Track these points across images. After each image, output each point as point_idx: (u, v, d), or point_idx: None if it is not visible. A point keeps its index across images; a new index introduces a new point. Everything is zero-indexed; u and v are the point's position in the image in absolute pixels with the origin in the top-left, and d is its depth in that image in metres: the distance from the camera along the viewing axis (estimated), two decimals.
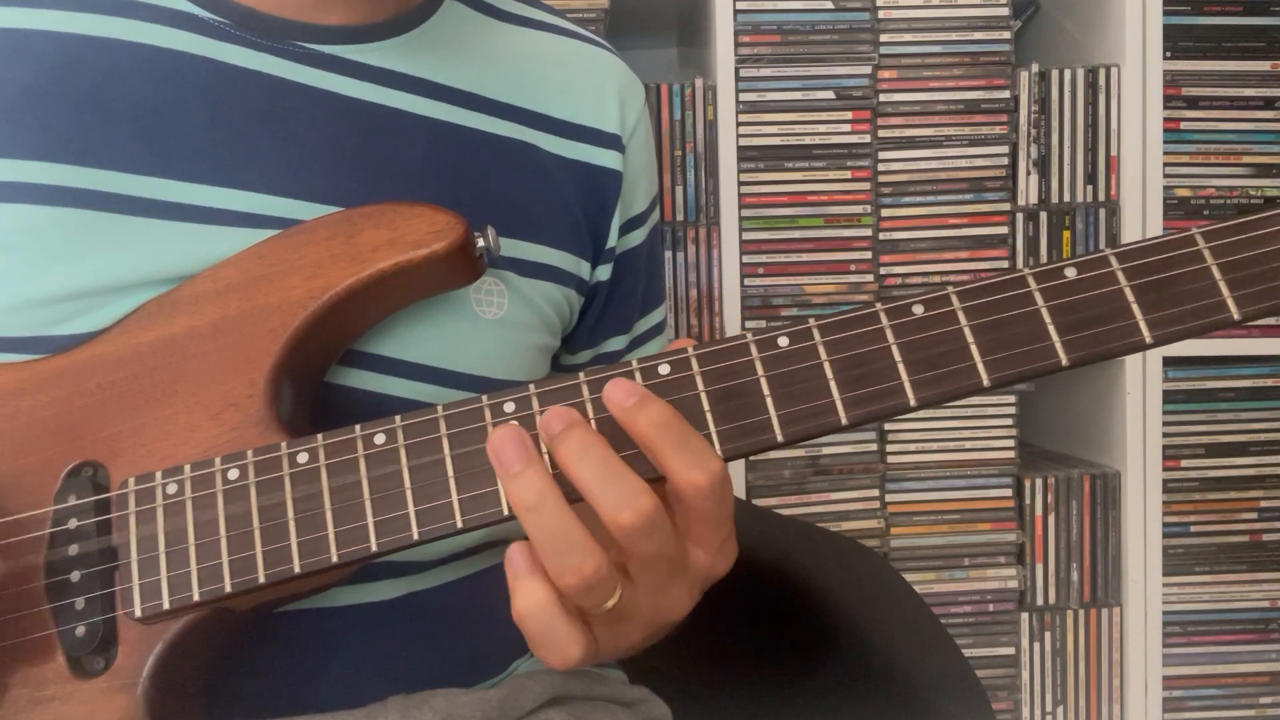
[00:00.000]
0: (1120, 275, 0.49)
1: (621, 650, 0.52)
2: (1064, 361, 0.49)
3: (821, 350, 0.50)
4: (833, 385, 0.50)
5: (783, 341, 0.50)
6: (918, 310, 0.50)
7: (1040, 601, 1.43)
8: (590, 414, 0.51)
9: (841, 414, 0.49)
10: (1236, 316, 0.48)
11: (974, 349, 0.49)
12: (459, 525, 0.51)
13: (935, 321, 0.50)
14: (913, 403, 0.49)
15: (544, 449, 0.49)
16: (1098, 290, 0.49)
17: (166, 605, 0.52)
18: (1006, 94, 1.40)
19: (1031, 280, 0.50)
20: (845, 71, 1.38)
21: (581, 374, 0.52)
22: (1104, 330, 0.49)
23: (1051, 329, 0.49)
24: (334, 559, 0.51)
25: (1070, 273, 0.50)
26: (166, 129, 0.61)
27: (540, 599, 0.48)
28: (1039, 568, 1.43)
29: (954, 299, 0.50)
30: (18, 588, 0.54)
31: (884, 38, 1.39)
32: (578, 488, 0.48)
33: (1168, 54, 1.40)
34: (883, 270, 1.40)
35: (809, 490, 1.40)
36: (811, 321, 0.51)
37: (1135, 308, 0.49)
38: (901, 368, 0.50)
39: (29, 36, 0.61)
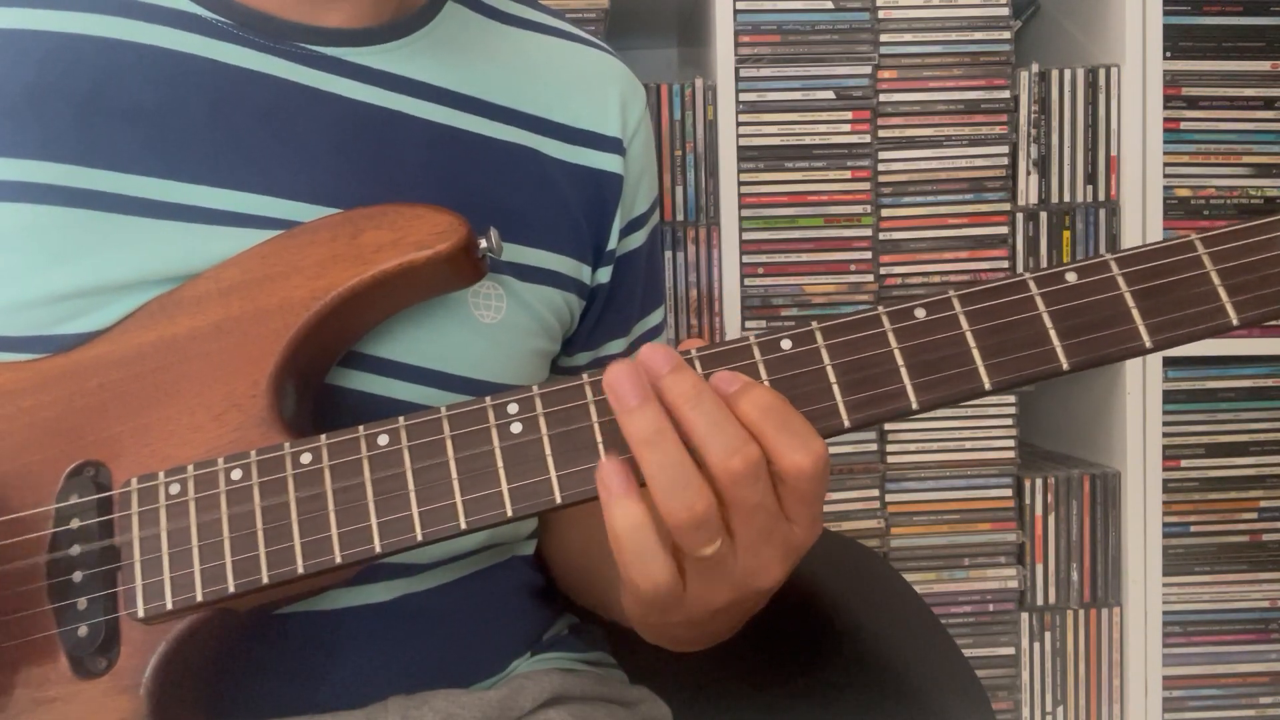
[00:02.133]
0: (1120, 280, 0.50)
1: (708, 613, 0.52)
2: (1064, 366, 0.49)
3: (824, 353, 0.50)
4: (835, 388, 0.50)
5: (786, 344, 0.51)
6: (920, 314, 0.50)
7: (1040, 601, 1.43)
8: (594, 417, 0.51)
9: (844, 417, 0.50)
10: (1235, 322, 0.48)
11: (975, 353, 0.50)
12: (463, 526, 0.51)
13: (937, 325, 0.50)
14: (915, 406, 0.49)
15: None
16: (1098, 295, 0.49)
17: (169, 606, 0.52)
18: (1006, 94, 1.40)
19: (1032, 284, 0.50)
20: (845, 71, 1.38)
21: (585, 375, 0.52)
22: (1104, 335, 0.49)
23: (1052, 333, 0.49)
24: (338, 560, 0.51)
25: (1071, 277, 0.50)
26: (168, 129, 0.61)
27: (635, 519, 0.47)
28: (1039, 568, 1.43)
29: (956, 303, 0.50)
30: (20, 588, 0.54)
31: (884, 38, 1.38)
32: (688, 432, 0.47)
33: (1168, 54, 1.40)
34: (883, 270, 1.40)
35: None
36: (814, 324, 0.51)
37: (1135, 312, 0.49)
38: (904, 371, 0.50)
39: (30, 36, 0.61)
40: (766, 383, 0.50)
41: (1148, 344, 0.49)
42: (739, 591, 0.50)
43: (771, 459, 0.48)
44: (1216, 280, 0.49)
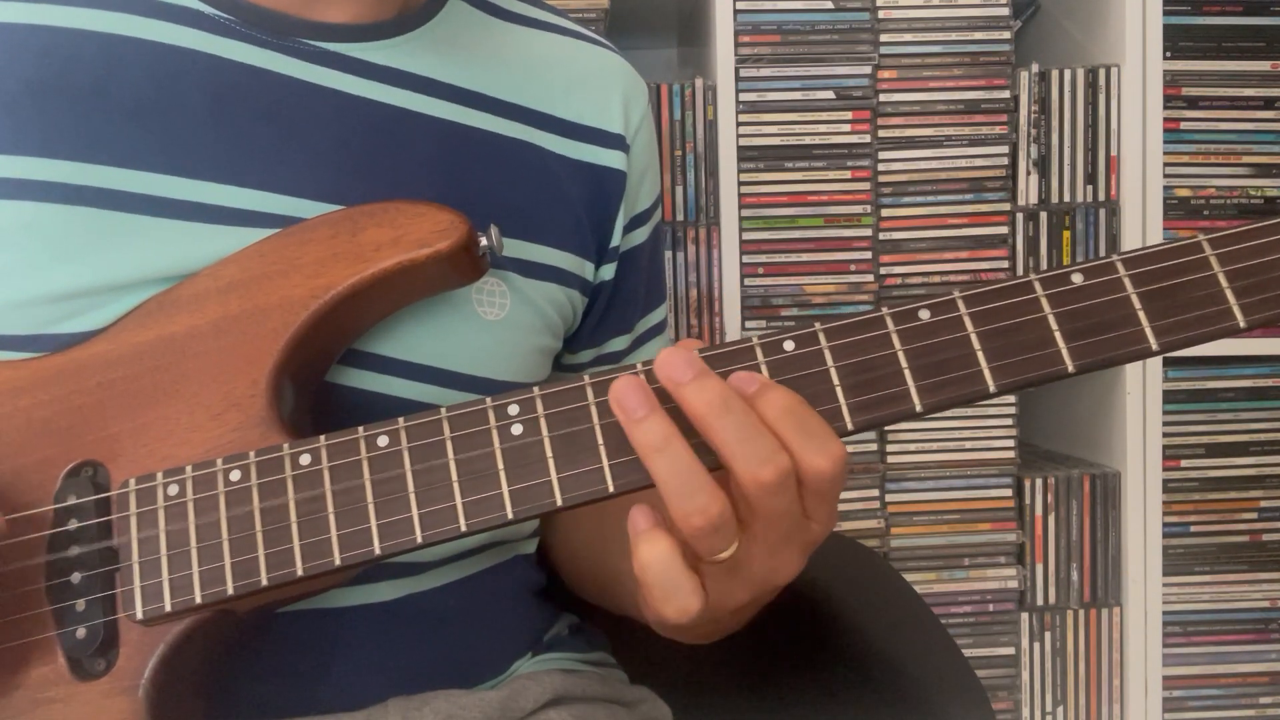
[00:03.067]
0: (1127, 282, 0.49)
1: (727, 612, 0.51)
2: (1070, 368, 0.49)
3: (827, 355, 0.50)
4: (838, 390, 0.50)
5: (788, 345, 0.50)
6: (924, 315, 0.50)
7: (1040, 601, 1.43)
8: (595, 419, 0.51)
9: (847, 419, 0.49)
10: (1242, 324, 0.48)
11: (980, 355, 0.49)
12: (463, 529, 0.50)
13: (941, 327, 0.50)
14: (919, 408, 0.49)
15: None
16: (1104, 297, 0.49)
17: (168, 607, 0.52)
18: (1006, 94, 1.40)
19: (1038, 286, 0.50)
20: (845, 71, 1.38)
21: (586, 375, 0.52)
22: (1110, 337, 0.49)
23: (1058, 335, 0.49)
24: (337, 562, 0.51)
25: (1077, 279, 0.50)
26: (169, 126, 0.61)
27: (663, 550, 0.47)
28: (1039, 568, 1.43)
29: (960, 304, 0.50)
30: (18, 589, 0.54)
31: (884, 38, 1.38)
32: (714, 442, 0.47)
33: (1168, 54, 1.40)
34: (883, 270, 1.40)
35: None
36: (817, 325, 0.50)
37: (1141, 315, 0.49)
38: (908, 373, 0.49)
39: (30, 31, 0.61)
40: None
41: (1154, 346, 0.49)
42: (759, 589, 0.51)
43: (793, 462, 0.47)
44: (1224, 282, 0.49)
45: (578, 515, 0.75)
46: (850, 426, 0.49)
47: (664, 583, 0.48)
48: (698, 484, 0.46)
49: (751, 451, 0.46)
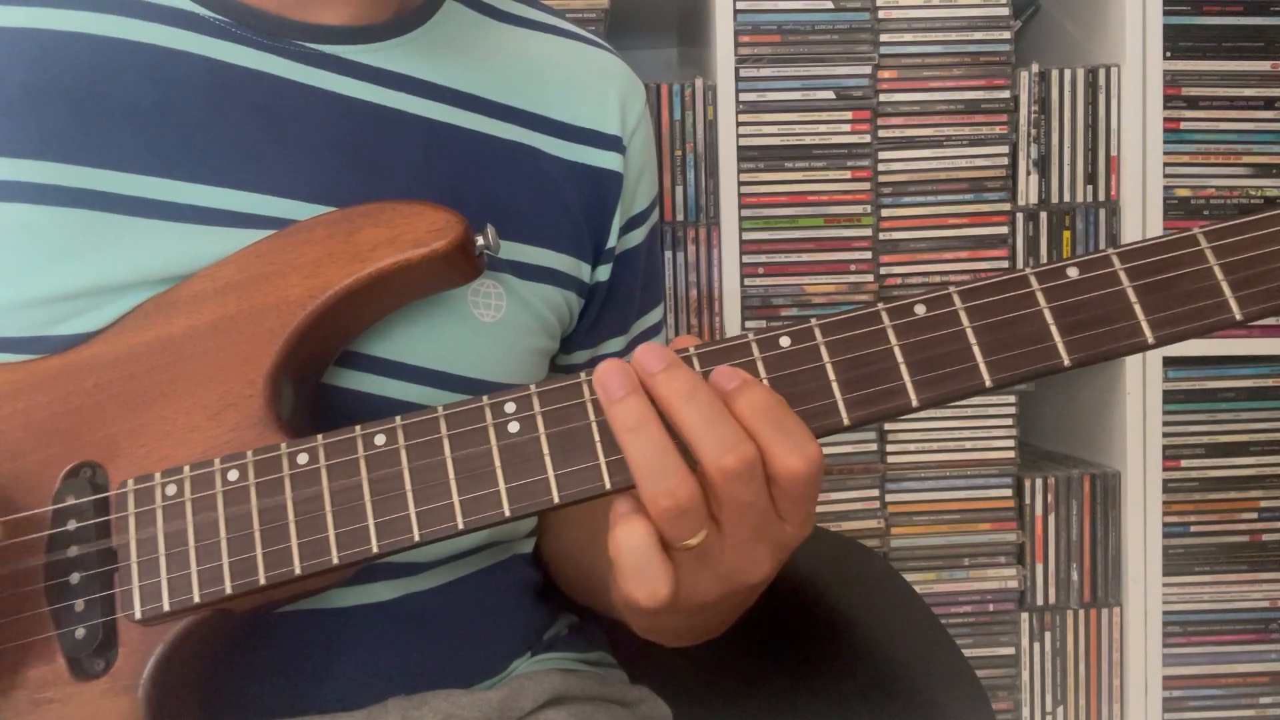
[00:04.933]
0: (1122, 275, 0.49)
1: (695, 607, 0.52)
2: (1066, 362, 0.49)
3: (823, 350, 0.50)
4: (835, 386, 0.50)
5: (784, 341, 0.50)
6: (920, 310, 0.50)
7: (1040, 601, 1.43)
8: (591, 416, 0.51)
9: (844, 414, 0.49)
10: (1238, 316, 0.48)
11: (976, 349, 0.49)
12: (460, 526, 0.50)
13: (937, 322, 0.50)
14: (915, 403, 0.49)
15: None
16: (1100, 290, 0.49)
17: (166, 607, 0.52)
18: (1006, 94, 1.40)
19: (1034, 280, 0.50)
20: (845, 71, 1.38)
21: (582, 373, 0.52)
22: (1106, 330, 0.49)
23: (1054, 329, 0.49)
24: (335, 560, 0.51)
25: (1072, 272, 0.50)
26: (165, 128, 0.61)
27: (639, 531, 0.48)
28: (1039, 568, 1.42)
29: (956, 299, 0.50)
30: (17, 590, 0.54)
31: (884, 38, 1.38)
32: (680, 429, 0.47)
33: (1168, 54, 1.40)
34: (883, 270, 1.40)
35: None
36: (813, 321, 0.51)
37: (1137, 308, 0.49)
38: (904, 368, 0.49)
39: (27, 35, 0.61)
40: (765, 381, 0.50)
41: (1150, 339, 0.49)
42: (727, 586, 0.51)
43: (765, 460, 0.47)
44: (1220, 275, 0.49)
45: (570, 515, 0.75)
46: (846, 421, 0.49)
47: (635, 564, 0.48)
48: (668, 466, 0.47)
49: (716, 439, 0.47)
